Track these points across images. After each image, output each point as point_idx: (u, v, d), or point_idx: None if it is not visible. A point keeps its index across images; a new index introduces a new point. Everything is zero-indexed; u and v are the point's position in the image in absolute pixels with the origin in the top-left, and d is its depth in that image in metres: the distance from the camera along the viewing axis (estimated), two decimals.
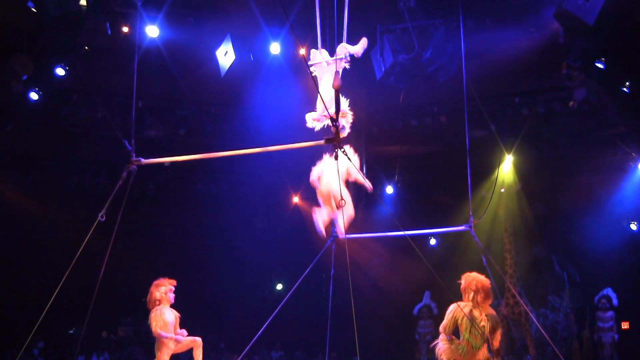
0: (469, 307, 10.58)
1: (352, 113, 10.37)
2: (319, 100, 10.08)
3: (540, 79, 17.69)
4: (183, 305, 11.85)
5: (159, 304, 11.33)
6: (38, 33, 15.10)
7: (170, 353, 11.23)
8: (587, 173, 19.27)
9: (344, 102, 10.19)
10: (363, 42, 10.36)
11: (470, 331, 10.48)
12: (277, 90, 17.45)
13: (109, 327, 21.02)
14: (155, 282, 11.51)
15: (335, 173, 10.21)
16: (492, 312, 10.72)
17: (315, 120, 10.20)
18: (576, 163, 19.28)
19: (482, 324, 10.46)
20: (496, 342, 10.59)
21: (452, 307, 10.65)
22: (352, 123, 10.36)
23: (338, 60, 10.10)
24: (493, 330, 10.53)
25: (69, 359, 19.77)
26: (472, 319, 10.42)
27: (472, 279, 10.69)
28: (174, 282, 11.57)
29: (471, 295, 10.63)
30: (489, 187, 18.26)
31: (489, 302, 10.74)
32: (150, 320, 11.24)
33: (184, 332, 11.46)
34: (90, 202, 15.15)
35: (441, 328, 10.71)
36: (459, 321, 10.54)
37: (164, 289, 11.44)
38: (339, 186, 9.95)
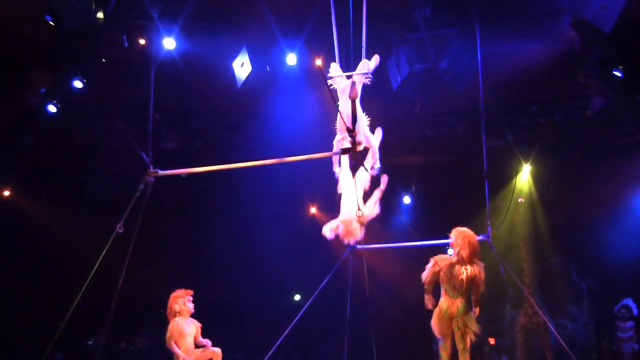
0: (450, 261, 10.77)
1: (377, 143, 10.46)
2: (339, 117, 10.09)
3: (557, 88, 17.62)
4: (201, 317, 11.89)
5: (178, 316, 11.41)
6: (55, 46, 15.18)
7: None
8: (604, 182, 19.14)
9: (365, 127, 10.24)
10: (376, 59, 10.40)
11: (448, 282, 10.67)
12: (293, 101, 17.48)
13: (127, 338, 21.05)
14: (173, 295, 11.61)
15: (350, 182, 10.23)
16: (478, 268, 10.86)
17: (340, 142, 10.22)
18: (594, 172, 19.14)
19: (460, 277, 10.64)
20: (481, 288, 10.76)
21: (432, 261, 10.99)
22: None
23: (359, 76, 10.13)
24: (472, 280, 10.71)
25: None
26: (449, 272, 10.62)
27: (459, 234, 10.88)
28: (191, 292, 11.66)
29: (457, 249, 10.81)
30: (506, 197, 18.19)
31: (475, 258, 10.85)
32: (167, 332, 11.33)
33: (209, 342, 11.57)
34: (108, 213, 15.21)
35: (423, 278, 10.94)
36: (439, 275, 10.78)
37: (182, 300, 11.53)
38: (357, 198, 9.94)
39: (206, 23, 15.97)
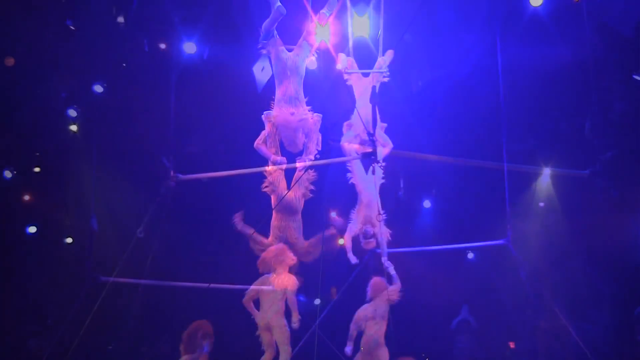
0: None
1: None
2: (354, 116, 10.12)
3: (578, 92, 17.56)
4: (229, 321, 11.88)
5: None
6: (76, 50, 15.26)
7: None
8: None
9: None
10: (390, 54, 10.43)
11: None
12: (313, 105, 17.48)
13: (148, 344, 21.05)
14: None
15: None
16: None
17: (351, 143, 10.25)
18: None
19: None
20: None
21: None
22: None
23: (376, 74, 10.17)
24: None
25: None
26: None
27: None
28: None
29: None
30: (527, 201, 18.15)
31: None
32: None
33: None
34: (130, 218, 15.23)
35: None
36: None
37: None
38: (377, 201, 9.98)
39: (227, 27, 16.00)
